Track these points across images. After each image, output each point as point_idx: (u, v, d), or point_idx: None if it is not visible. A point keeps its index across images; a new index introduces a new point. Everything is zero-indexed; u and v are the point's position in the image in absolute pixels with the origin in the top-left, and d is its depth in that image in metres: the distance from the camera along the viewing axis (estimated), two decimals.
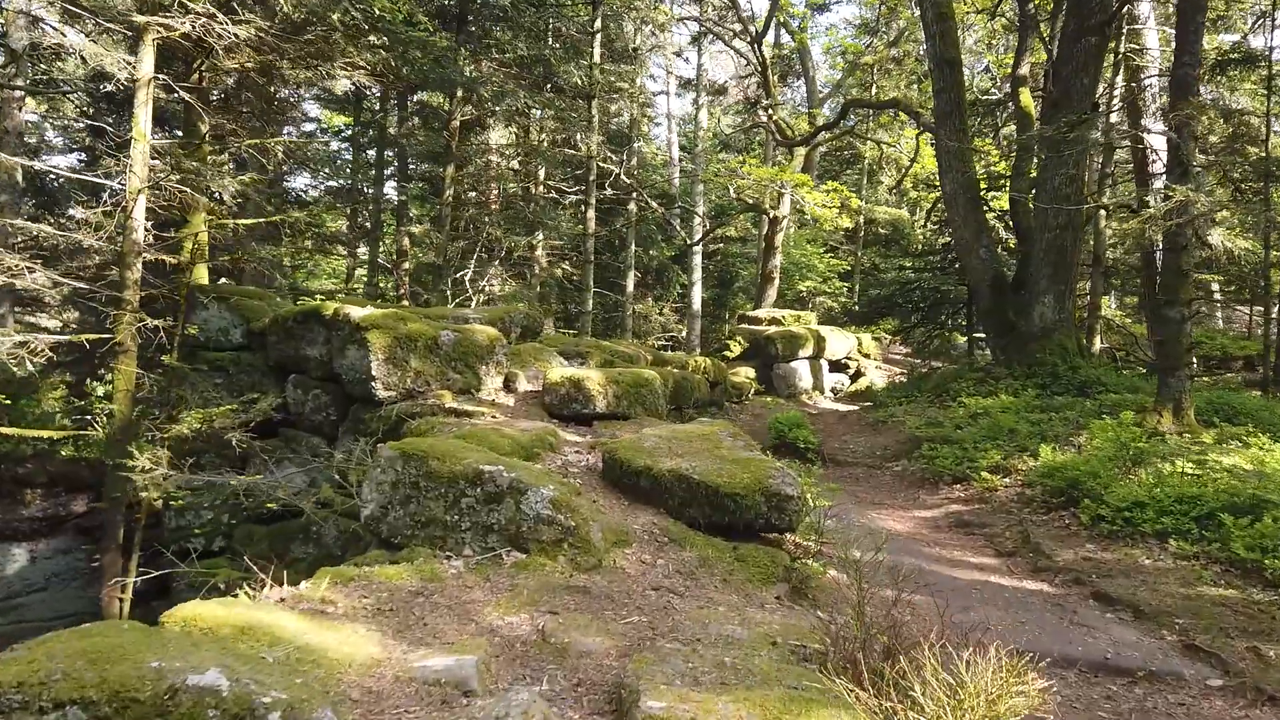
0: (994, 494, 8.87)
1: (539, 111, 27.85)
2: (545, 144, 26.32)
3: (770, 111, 24.22)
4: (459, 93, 18.64)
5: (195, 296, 9.33)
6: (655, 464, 6.25)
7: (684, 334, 29.63)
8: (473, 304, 24.05)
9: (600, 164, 24.04)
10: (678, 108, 36.27)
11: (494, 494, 5.37)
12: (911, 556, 7.17)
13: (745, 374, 21.19)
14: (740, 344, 22.32)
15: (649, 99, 26.91)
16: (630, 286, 28.09)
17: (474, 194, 26.78)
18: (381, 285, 26.05)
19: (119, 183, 8.90)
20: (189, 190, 9.03)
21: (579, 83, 20.26)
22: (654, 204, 25.68)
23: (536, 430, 7.20)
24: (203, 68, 12.00)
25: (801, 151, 24.51)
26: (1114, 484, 7.53)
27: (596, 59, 21.07)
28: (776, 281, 25.10)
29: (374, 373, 7.94)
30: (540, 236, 28.34)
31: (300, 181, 31.16)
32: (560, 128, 24.72)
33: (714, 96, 34.77)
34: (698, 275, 28.20)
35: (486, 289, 25.74)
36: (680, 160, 32.89)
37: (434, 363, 8.28)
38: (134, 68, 8.94)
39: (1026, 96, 14.87)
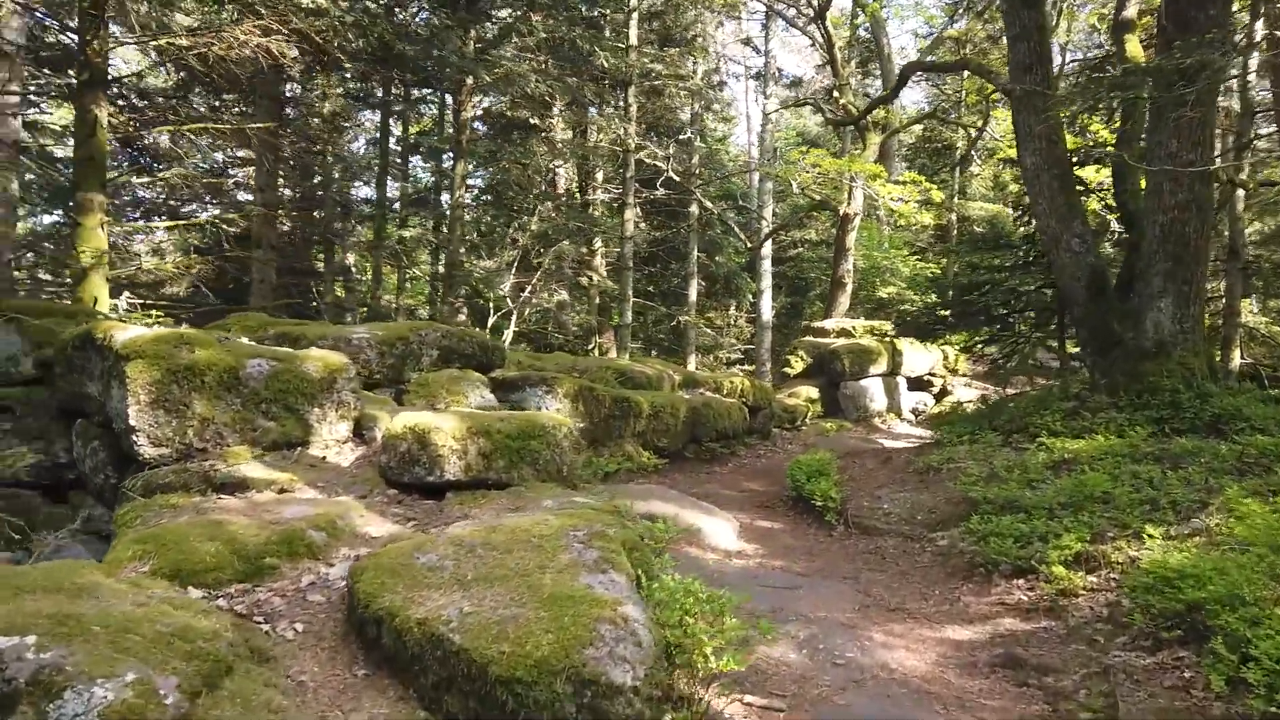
0: (1071, 604, 5.67)
1: (594, 110, 25.53)
2: (602, 143, 23.77)
3: (839, 94, 21.00)
4: (468, 80, 16.27)
5: None
6: (405, 609, 3.46)
7: (757, 348, 26.58)
8: (511, 321, 21.71)
9: (648, 160, 21.34)
10: (760, 107, 33.15)
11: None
12: None
13: (806, 394, 18.04)
14: (802, 359, 19.16)
15: (709, 91, 24.00)
16: (693, 296, 25.28)
17: (530, 197, 24.49)
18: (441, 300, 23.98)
19: None
20: None
21: (604, 66, 17.56)
22: (709, 204, 22.74)
23: (304, 520, 4.50)
24: (94, 38, 9.85)
25: (875, 140, 21.15)
26: (1272, 618, 4.30)
27: (633, 40, 18.38)
28: (849, 287, 21.77)
29: (133, 421, 5.40)
30: (598, 244, 25.92)
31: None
32: (614, 126, 22.15)
33: (791, 89, 31.61)
34: (767, 282, 25.11)
35: (534, 302, 23.41)
36: (758, 161, 29.85)
37: (232, 406, 5.69)
38: None
39: (1134, 45, 11.35)
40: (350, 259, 27.94)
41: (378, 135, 27.86)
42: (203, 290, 15.92)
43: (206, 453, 5.54)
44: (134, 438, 5.45)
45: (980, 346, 17.48)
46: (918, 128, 29.61)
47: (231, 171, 23.53)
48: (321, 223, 25.18)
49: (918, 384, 19.92)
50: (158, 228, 10.38)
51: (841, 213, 21.11)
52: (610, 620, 3.29)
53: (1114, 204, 12.16)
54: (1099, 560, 6.00)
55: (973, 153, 22.17)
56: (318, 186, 24.09)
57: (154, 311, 9.33)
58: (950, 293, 18.88)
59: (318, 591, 4.01)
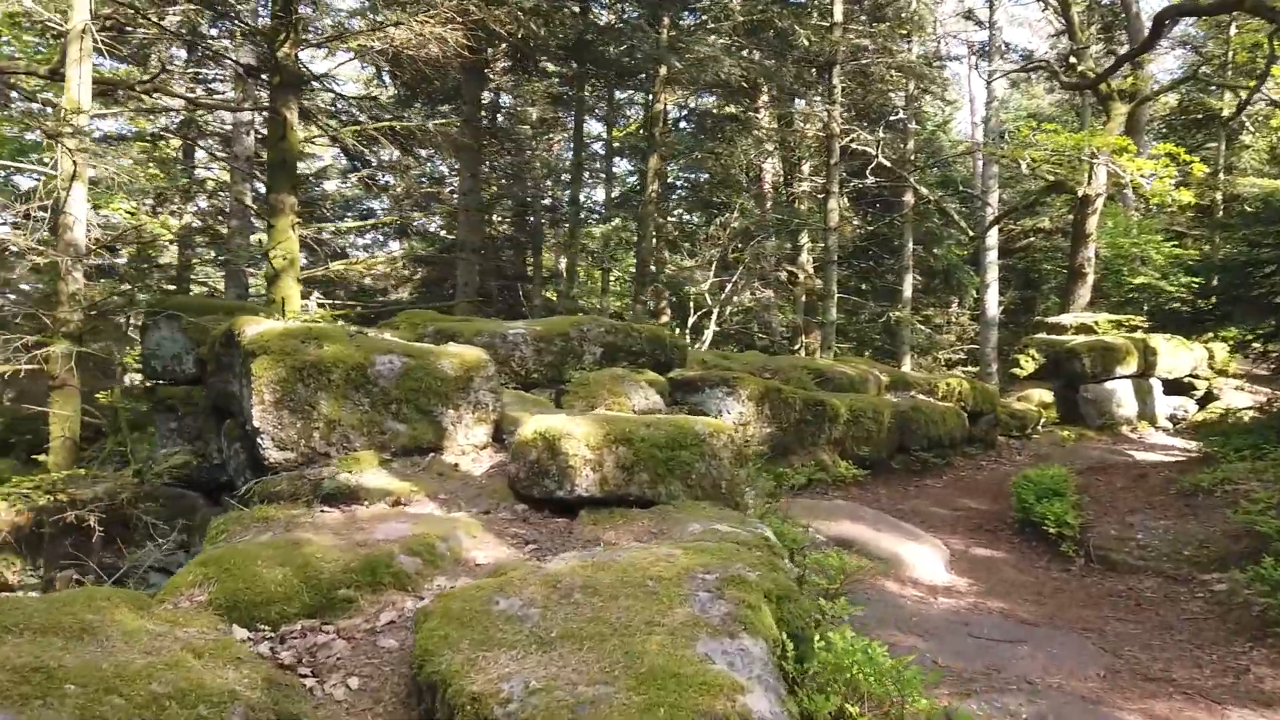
0: None
1: (801, 101, 24.34)
2: (808, 132, 22.50)
3: (1076, 60, 18.63)
4: (661, 70, 15.58)
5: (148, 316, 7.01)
6: (462, 677, 2.63)
7: (981, 347, 24.28)
8: (712, 318, 20.93)
9: (856, 146, 19.87)
10: (985, 75, 30.43)
11: None
12: None
13: (1038, 399, 16.05)
14: (1033, 359, 17.02)
15: (924, 68, 22.09)
16: (908, 292, 23.48)
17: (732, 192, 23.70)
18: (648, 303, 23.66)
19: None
20: (122, 176, 6.69)
21: (806, 45, 16.32)
22: (924, 190, 20.88)
23: (398, 542, 3.80)
24: (284, 40, 9.93)
25: (1121, 110, 18.57)
26: None
27: (838, 18, 17.03)
28: (1090, 278, 19.26)
29: (257, 421, 5.00)
30: (804, 239, 24.69)
31: (598, 194, 29.78)
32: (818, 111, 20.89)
33: (1024, 66, 28.81)
34: (993, 275, 22.82)
35: (734, 300, 22.51)
36: (982, 142, 27.37)
37: (360, 407, 5.16)
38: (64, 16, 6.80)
39: None
40: (562, 262, 28.26)
41: (582, 136, 28.06)
42: (394, 294, 16.33)
43: (329, 458, 5.04)
44: (259, 440, 5.04)
45: (1263, 343, 14.68)
46: (1171, 97, 26.07)
47: (450, 180, 24.35)
48: (531, 226, 25.54)
49: (1175, 387, 17.21)
50: (343, 228, 10.41)
51: (1080, 194, 18.70)
52: (724, 717, 2.31)
53: None
54: None
55: (1243, 118, 19.00)
56: (527, 191, 24.42)
57: (320, 310, 9.23)
58: (1217, 278, 16.10)
59: (393, 634, 3.29)
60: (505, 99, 25.88)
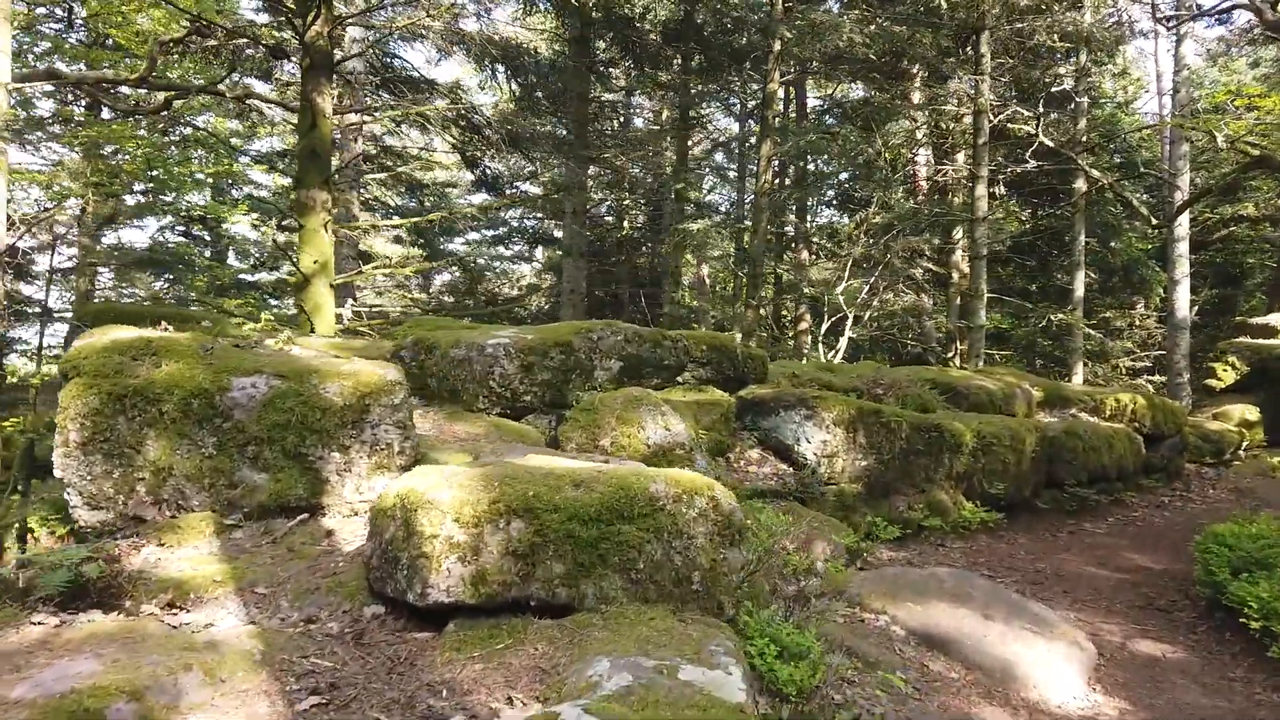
0: None
1: (955, 82, 21.72)
2: (964, 114, 19.84)
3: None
4: (775, 45, 13.61)
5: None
6: None
7: (1169, 354, 20.70)
8: (848, 324, 18.66)
9: (1011, 125, 17.17)
10: (1173, 57, 26.38)
11: None
12: None
13: (1239, 416, 12.98)
14: (1233, 368, 13.97)
15: (1094, 30, 18.87)
16: (1079, 292, 20.39)
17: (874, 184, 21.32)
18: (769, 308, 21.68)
19: None
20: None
21: (947, 7, 13.89)
22: (1096, 174, 17.80)
23: (24, 711, 2.25)
24: (314, 19, 8.77)
25: None
26: None
27: None
28: None
29: (59, 470, 3.61)
30: (958, 235, 22.00)
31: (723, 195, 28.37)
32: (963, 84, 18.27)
33: (1217, 8, 24.66)
34: (1182, 271, 19.30)
35: (876, 306, 20.14)
36: (1170, 114, 23.57)
37: (202, 449, 3.67)
38: None
39: None
40: (704, 270, 26.57)
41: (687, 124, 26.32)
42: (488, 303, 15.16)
43: (145, 523, 3.57)
44: (66, 494, 3.64)
45: None
46: None
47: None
48: (662, 229, 24.04)
49: None
50: (384, 225, 9.20)
51: None
52: None
53: None
54: None
55: None
56: (651, 191, 22.96)
57: (369, 322, 7.95)
58: None
59: None
60: (640, 100, 24.57)
